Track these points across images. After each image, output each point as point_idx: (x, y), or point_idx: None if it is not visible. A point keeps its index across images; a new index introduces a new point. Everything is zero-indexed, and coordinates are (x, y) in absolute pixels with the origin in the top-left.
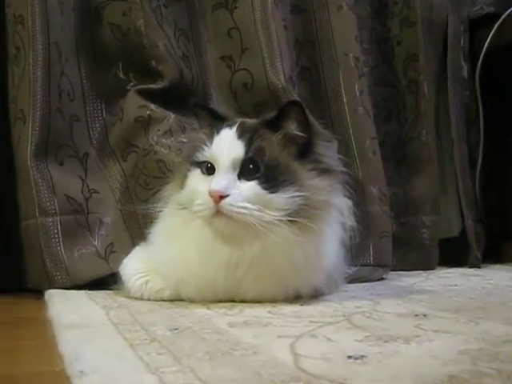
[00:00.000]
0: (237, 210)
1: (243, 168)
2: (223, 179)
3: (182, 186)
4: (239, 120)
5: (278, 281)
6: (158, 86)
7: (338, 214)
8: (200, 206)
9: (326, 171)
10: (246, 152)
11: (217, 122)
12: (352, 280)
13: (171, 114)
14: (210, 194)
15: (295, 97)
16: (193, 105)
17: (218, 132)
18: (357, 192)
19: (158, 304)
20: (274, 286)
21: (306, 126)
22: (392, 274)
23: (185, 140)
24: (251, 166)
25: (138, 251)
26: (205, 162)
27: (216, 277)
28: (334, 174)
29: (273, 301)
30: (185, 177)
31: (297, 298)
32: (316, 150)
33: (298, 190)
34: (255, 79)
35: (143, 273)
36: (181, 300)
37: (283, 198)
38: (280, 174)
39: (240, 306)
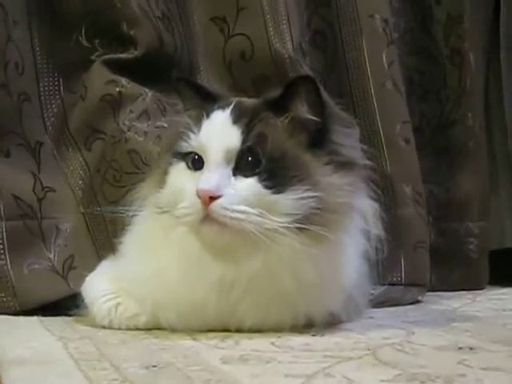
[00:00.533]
0: (232, 214)
1: (240, 161)
2: (214, 176)
3: (161, 183)
4: (235, 100)
5: (283, 305)
6: (131, 56)
7: (360, 219)
8: (185, 210)
9: (345, 165)
10: (244, 140)
11: (206, 101)
12: (378, 303)
13: (147, 91)
14: (198, 194)
15: (306, 70)
16: (175, 79)
17: (207, 115)
18: (384, 191)
19: (132, 334)
20: (278, 312)
21: (319, 107)
22: (429, 296)
23: (165, 125)
24: (250, 158)
25: (105, 266)
26: (191, 153)
27: (205, 300)
28: (356, 169)
29: (277, 330)
30: (165, 172)
31: (308, 327)
32: (332, 137)
33: (309, 190)
34: (255, 47)
35: (112, 294)
36: (160, 329)
37: (291, 200)
38: (287, 168)
39: (236, 336)
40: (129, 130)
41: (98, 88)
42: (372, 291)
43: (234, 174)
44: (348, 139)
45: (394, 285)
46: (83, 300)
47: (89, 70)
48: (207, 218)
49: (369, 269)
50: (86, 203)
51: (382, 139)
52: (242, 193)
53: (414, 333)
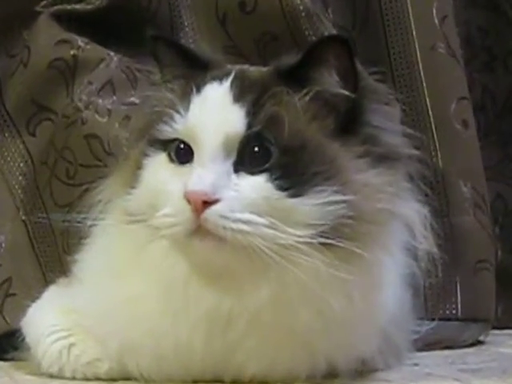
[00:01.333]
0: (233, 225)
1: (243, 153)
2: (209, 172)
3: (132, 182)
4: (234, 68)
5: (298, 347)
6: (89, 7)
7: (404, 231)
8: (167, 219)
9: (385, 158)
10: (249, 124)
11: (194, 70)
12: (426, 345)
13: (112, 54)
14: (188, 197)
15: (328, 27)
16: (151, 39)
17: (197, 89)
18: (434, 192)
19: None
20: (291, 356)
21: (353, 78)
22: (495, 335)
23: (136, 101)
24: (257, 148)
25: (54, 294)
26: (175, 141)
27: (191, 340)
28: (400, 163)
29: (288, 381)
30: (138, 166)
31: (330, 377)
32: (369, 119)
33: (338, 192)
34: None
35: (64, 331)
36: (128, 379)
37: (313, 206)
38: (308, 162)
39: None
40: (87, 108)
41: (44, 50)
42: (417, 328)
43: (236, 171)
44: (388, 122)
45: (447, 320)
46: (24, 339)
47: (33, 26)
48: (199, 229)
49: (413, 298)
50: (28, 207)
51: (432, 121)
52: (248, 196)
53: None
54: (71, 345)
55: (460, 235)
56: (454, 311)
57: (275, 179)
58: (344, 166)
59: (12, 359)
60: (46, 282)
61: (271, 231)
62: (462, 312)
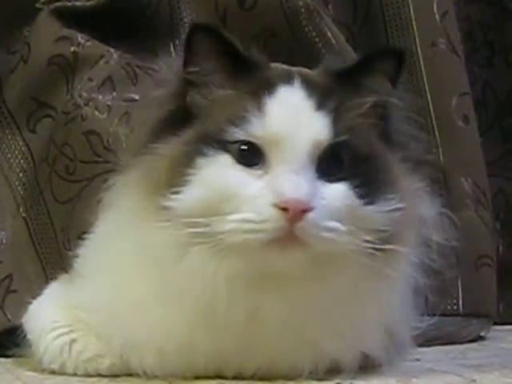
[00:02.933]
0: (324, 234)
1: (324, 161)
2: (303, 180)
3: (177, 180)
4: (296, 71)
5: (301, 343)
6: (90, 4)
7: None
8: (248, 225)
9: (413, 164)
10: (336, 133)
11: (236, 66)
12: (427, 341)
13: (112, 51)
14: (286, 205)
15: (328, 22)
16: (192, 27)
17: (269, 91)
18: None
19: (91, 382)
20: (294, 353)
21: (395, 87)
22: (496, 330)
23: (136, 97)
24: (335, 158)
25: (55, 290)
26: (244, 143)
27: (195, 339)
28: (424, 168)
29: (290, 377)
30: (187, 165)
31: (332, 372)
32: (400, 127)
33: (395, 199)
34: None
35: (65, 327)
36: (130, 375)
37: (382, 213)
38: (376, 170)
39: None
40: (86, 105)
41: (45, 47)
42: (419, 324)
43: (318, 178)
44: (413, 129)
45: (448, 315)
46: (26, 335)
47: (33, 23)
48: (287, 237)
49: (415, 294)
50: (28, 204)
51: (433, 117)
52: (334, 204)
53: (474, 381)
54: (72, 341)
55: (460, 231)
56: (455, 307)
57: (355, 187)
58: (397, 174)
59: (13, 356)
60: (47, 278)
61: (351, 238)
62: (463, 307)
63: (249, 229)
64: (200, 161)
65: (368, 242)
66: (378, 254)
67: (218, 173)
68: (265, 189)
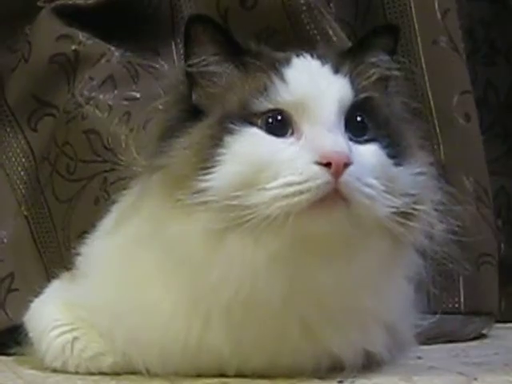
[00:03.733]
0: (366, 189)
1: (350, 121)
2: (339, 136)
3: (205, 162)
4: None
5: (303, 341)
6: (91, 2)
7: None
8: (292, 188)
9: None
10: (356, 93)
11: (237, 54)
12: (429, 338)
13: (113, 49)
14: (328, 159)
15: (329, 20)
16: (190, 19)
17: (286, 62)
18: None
19: (93, 380)
20: (296, 350)
21: (393, 58)
22: (498, 328)
23: (137, 95)
24: (359, 117)
25: (57, 289)
26: (271, 111)
27: (200, 337)
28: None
29: (291, 374)
30: (214, 144)
31: (334, 370)
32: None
33: (420, 164)
34: None
35: (67, 326)
36: (133, 373)
37: (411, 176)
38: (399, 134)
39: (235, 383)
40: (87, 103)
41: (46, 45)
42: (421, 322)
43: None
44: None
45: (449, 313)
46: (27, 334)
47: (34, 21)
48: (332, 195)
49: (416, 292)
50: (29, 202)
51: (434, 115)
52: (370, 161)
53: (476, 379)
54: (74, 339)
55: (462, 229)
56: (457, 305)
57: (384, 148)
58: (414, 143)
59: (15, 354)
60: (48, 276)
61: (388, 196)
62: (465, 306)
63: (293, 192)
64: (228, 139)
65: (403, 204)
66: (410, 223)
67: (249, 146)
68: (302, 150)
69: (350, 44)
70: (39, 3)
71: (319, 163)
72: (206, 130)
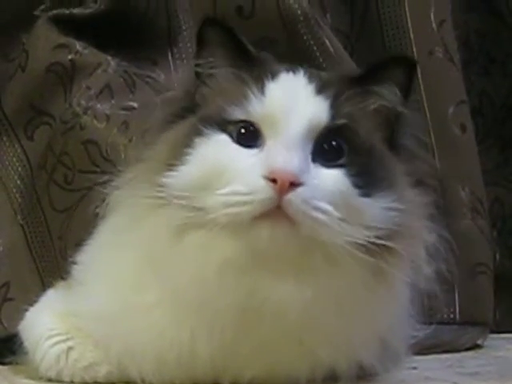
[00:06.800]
0: (313, 213)
1: (321, 144)
2: (295, 155)
3: (174, 159)
4: (296, 66)
5: (299, 352)
6: (88, 11)
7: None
8: (238, 197)
9: (419, 184)
10: (333, 117)
11: (244, 61)
12: (424, 349)
13: (110, 59)
14: (274, 175)
15: (326, 31)
16: (205, 21)
17: (272, 76)
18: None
19: None
20: (291, 361)
21: (407, 98)
22: (493, 339)
23: (135, 105)
24: (334, 142)
25: (52, 298)
26: (243, 122)
27: (195, 346)
28: (429, 190)
29: None
30: (185, 144)
31: (329, 381)
32: (406, 142)
33: (396, 200)
34: (256, 0)
35: (62, 335)
36: (128, 382)
37: (378, 209)
38: (375, 166)
39: None
40: (85, 113)
41: (43, 55)
42: (415, 332)
43: (313, 160)
44: (420, 149)
45: (444, 324)
46: (22, 343)
47: (31, 30)
48: (275, 211)
49: (411, 302)
50: (25, 211)
51: (430, 125)
52: (328, 186)
53: None
54: (69, 348)
55: (457, 240)
56: (452, 315)
57: (351, 175)
58: (399, 178)
59: (10, 363)
60: (44, 286)
61: (344, 225)
62: (460, 316)
63: (237, 201)
64: (197, 140)
65: (364, 236)
66: (377, 250)
67: (213, 150)
68: (256, 163)
69: (345, 55)
70: (36, 12)
71: (267, 178)
72: (184, 128)
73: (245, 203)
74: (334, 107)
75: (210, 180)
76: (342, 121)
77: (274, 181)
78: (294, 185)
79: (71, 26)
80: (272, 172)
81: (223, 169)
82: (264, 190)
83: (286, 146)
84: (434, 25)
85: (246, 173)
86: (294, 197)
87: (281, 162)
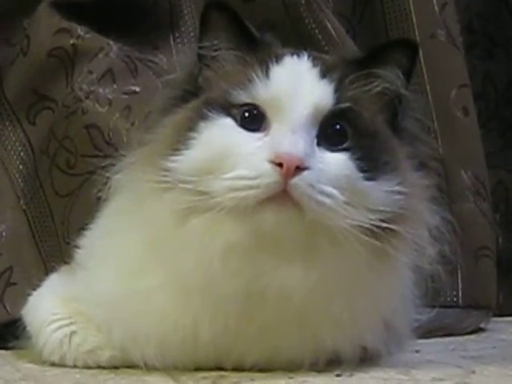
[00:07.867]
0: (318, 196)
1: (326, 127)
2: (301, 139)
3: (178, 144)
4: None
5: (303, 336)
6: None
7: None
8: (243, 181)
9: (421, 167)
10: (338, 100)
11: (248, 45)
12: (427, 332)
13: (112, 43)
14: (280, 159)
15: (328, 14)
16: (208, 4)
17: (276, 60)
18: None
19: (91, 373)
20: (295, 345)
21: (409, 81)
22: (496, 322)
23: (137, 89)
24: (339, 126)
25: (55, 282)
26: (247, 105)
27: (198, 330)
28: (431, 173)
29: (290, 368)
30: (189, 128)
31: (332, 364)
32: (408, 126)
33: (400, 184)
34: None
35: (65, 319)
36: (130, 367)
37: (383, 192)
38: (380, 150)
39: (232, 377)
40: (87, 98)
41: (44, 39)
42: (418, 316)
43: (318, 144)
44: (422, 132)
45: (447, 307)
46: (25, 328)
47: (33, 15)
48: (281, 195)
49: (414, 286)
50: (28, 196)
51: (432, 109)
52: (333, 170)
53: (474, 372)
54: (72, 333)
55: (460, 223)
56: (455, 298)
57: (356, 159)
58: (402, 162)
59: (13, 348)
60: (47, 270)
61: (349, 209)
62: (462, 299)
63: (243, 186)
64: (202, 124)
65: (369, 219)
66: (381, 233)
67: (218, 134)
68: (262, 147)
69: (348, 38)
70: None
71: (272, 162)
72: (188, 112)
73: (250, 187)
74: (339, 91)
75: (215, 164)
76: (346, 104)
77: (279, 165)
78: (299, 169)
79: (73, 11)
80: (278, 156)
81: (228, 153)
82: (270, 174)
83: (291, 129)
84: (436, 7)
85: (251, 157)
86: (299, 181)
87: (287, 146)
